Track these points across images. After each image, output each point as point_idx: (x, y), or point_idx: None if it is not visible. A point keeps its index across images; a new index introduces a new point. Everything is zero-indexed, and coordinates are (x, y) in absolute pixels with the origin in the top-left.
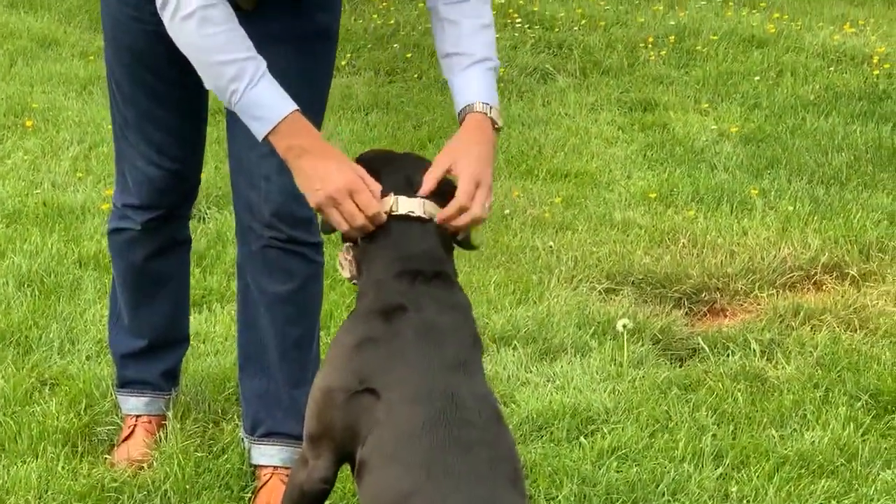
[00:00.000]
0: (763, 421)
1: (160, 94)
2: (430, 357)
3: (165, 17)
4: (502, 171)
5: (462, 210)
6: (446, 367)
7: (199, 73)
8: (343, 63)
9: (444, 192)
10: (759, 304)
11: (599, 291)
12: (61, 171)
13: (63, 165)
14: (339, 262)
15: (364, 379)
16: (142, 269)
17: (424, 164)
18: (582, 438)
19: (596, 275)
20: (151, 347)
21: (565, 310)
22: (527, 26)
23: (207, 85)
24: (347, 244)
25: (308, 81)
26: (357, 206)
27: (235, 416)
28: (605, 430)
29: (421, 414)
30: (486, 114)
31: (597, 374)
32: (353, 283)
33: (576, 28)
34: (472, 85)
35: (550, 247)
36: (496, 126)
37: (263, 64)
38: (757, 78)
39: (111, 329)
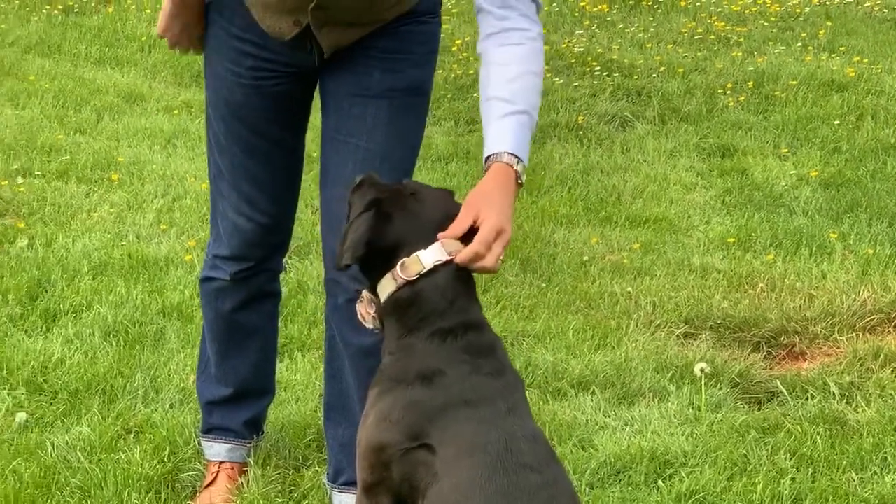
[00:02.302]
0: (843, 464)
1: (255, 148)
2: (481, 412)
3: None
4: (581, 217)
5: (477, 257)
6: (498, 415)
7: None
8: None
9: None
10: (838, 348)
11: (678, 336)
12: (146, 224)
13: (147, 218)
14: (361, 315)
15: (417, 436)
16: (229, 319)
17: (440, 203)
18: (660, 482)
19: (674, 319)
20: (236, 396)
21: (643, 354)
22: (605, 74)
23: None
24: (368, 296)
25: (401, 136)
26: None
27: (316, 463)
28: (683, 474)
29: (479, 464)
30: (512, 166)
31: (675, 417)
32: (376, 333)
33: (654, 75)
34: (507, 135)
35: (629, 292)
36: (519, 181)
37: None
38: (837, 122)
39: (199, 375)
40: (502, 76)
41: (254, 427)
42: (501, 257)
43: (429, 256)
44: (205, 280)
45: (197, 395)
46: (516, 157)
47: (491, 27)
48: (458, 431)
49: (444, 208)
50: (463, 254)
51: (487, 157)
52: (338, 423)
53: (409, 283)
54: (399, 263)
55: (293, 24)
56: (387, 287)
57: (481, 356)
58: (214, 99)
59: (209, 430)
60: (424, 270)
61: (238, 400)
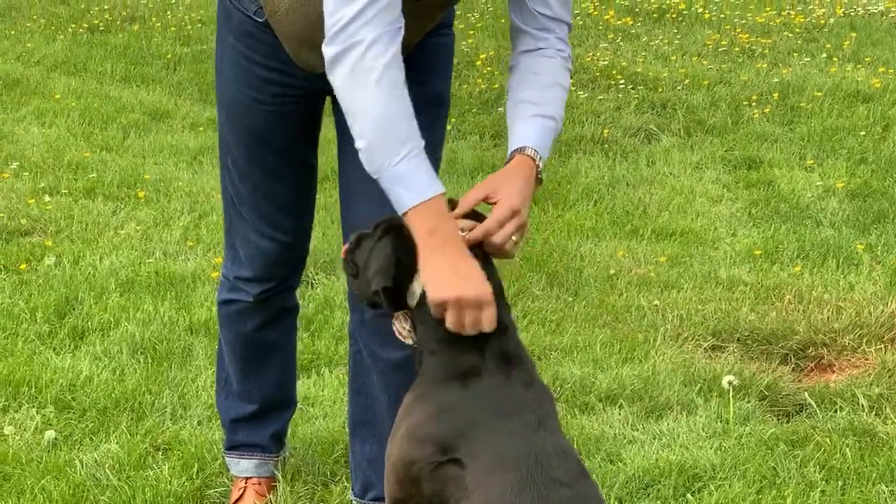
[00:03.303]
0: (873, 476)
1: (278, 171)
2: (513, 423)
3: (341, 74)
4: (607, 231)
5: (488, 234)
6: (528, 428)
7: (360, 127)
8: (448, 127)
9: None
10: (867, 360)
11: (705, 349)
12: (172, 241)
13: (174, 235)
14: (399, 332)
15: (447, 449)
16: (252, 339)
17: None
18: (689, 496)
19: (701, 332)
20: (262, 411)
21: (671, 368)
22: (630, 87)
23: (361, 142)
24: (401, 311)
25: (429, 147)
26: (479, 318)
27: (344, 479)
28: (712, 487)
29: (509, 479)
30: (535, 160)
31: (703, 431)
32: (415, 346)
33: (679, 87)
34: (533, 134)
35: (656, 305)
36: (540, 177)
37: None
38: (863, 133)
39: (219, 394)
40: (534, 83)
41: (279, 440)
42: (517, 240)
43: None
44: (225, 302)
45: (218, 412)
46: (537, 152)
47: (527, 45)
48: (489, 444)
49: None
50: (474, 231)
51: (512, 152)
52: (364, 438)
53: None
54: None
55: None
56: (416, 289)
57: (513, 363)
58: (234, 125)
59: (235, 447)
60: None
61: (263, 415)
